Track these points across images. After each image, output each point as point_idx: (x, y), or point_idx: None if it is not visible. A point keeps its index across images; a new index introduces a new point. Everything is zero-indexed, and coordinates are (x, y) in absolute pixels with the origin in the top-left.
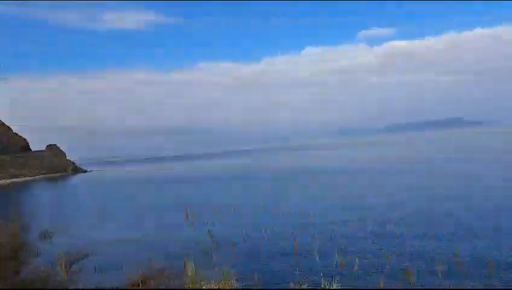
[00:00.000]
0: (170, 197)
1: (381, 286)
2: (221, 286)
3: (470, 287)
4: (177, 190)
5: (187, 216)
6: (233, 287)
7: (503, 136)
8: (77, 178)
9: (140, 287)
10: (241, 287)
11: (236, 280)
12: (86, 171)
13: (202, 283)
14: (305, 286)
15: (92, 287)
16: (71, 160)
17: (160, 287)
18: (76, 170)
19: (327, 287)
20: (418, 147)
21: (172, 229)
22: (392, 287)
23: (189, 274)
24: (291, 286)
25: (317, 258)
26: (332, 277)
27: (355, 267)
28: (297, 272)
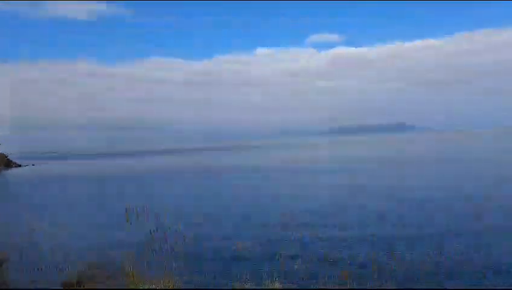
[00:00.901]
0: (108, 194)
1: (321, 286)
2: (161, 286)
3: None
4: (115, 187)
5: (127, 215)
6: (174, 288)
7: (438, 141)
8: (10, 173)
9: (76, 287)
10: (182, 288)
11: (177, 280)
12: (20, 166)
13: (141, 283)
14: (247, 286)
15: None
16: (4, 153)
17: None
18: (9, 164)
19: (269, 287)
20: (353, 149)
21: (109, 228)
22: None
23: (128, 274)
24: (234, 285)
25: (259, 259)
26: (274, 276)
27: (296, 267)
28: (239, 272)
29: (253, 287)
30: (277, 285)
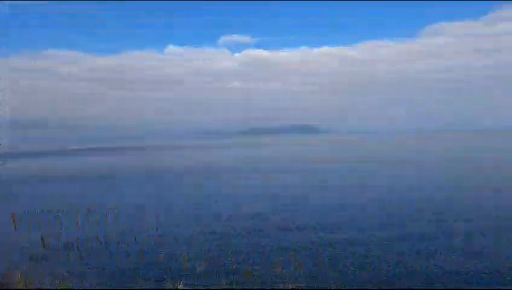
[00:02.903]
0: None
1: (224, 286)
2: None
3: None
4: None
5: (13, 220)
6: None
7: (341, 144)
8: None
9: None
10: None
11: (73, 283)
12: None
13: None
14: (152, 286)
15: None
16: None
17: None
18: None
19: (173, 287)
20: (265, 149)
21: None
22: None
23: (18, 281)
24: (139, 285)
25: (163, 259)
26: (177, 278)
27: (200, 268)
28: (142, 273)
29: (157, 287)
30: (181, 286)
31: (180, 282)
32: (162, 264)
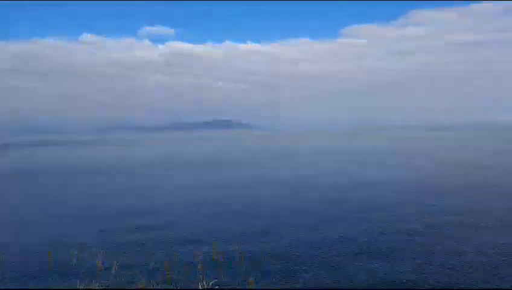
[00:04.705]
0: None
1: (140, 286)
2: None
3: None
4: None
5: None
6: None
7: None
8: None
9: None
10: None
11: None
12: None
13: None
14: (62, 287)
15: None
16: None
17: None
18: None
19: (87, 287)
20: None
21: None
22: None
23: None
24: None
25: (73, 260)
26: (91, 278)
27: (115, 268)
28: (55, 274)
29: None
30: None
31: (93, 282)
32: (73, 265)
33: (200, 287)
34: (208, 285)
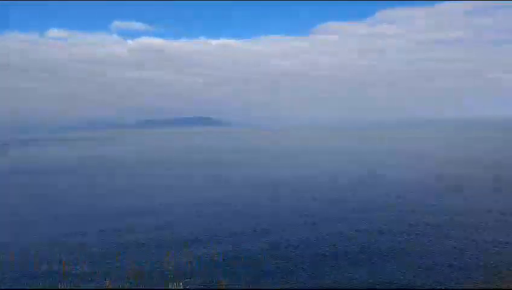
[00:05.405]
0: None
1: (109, 285)
2: None
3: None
4: None
5: None
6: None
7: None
8: None
9: None
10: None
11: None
12: None
13: None
14: (36, 287)
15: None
16: None
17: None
18: None
19: (60, 287)
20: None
21: None
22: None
23: None
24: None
25: (36, 261)
26: (57, 281)
27: (82, 269)
28: (12, 277)
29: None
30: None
31: (59, 285)
32: (40, 268)
33: (170, 287)
34: (177, 285)
